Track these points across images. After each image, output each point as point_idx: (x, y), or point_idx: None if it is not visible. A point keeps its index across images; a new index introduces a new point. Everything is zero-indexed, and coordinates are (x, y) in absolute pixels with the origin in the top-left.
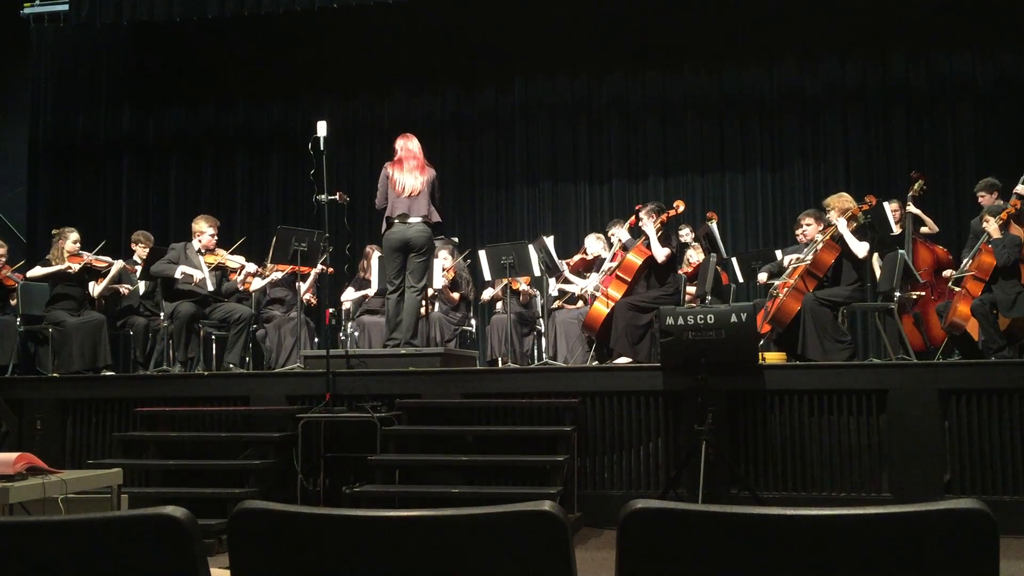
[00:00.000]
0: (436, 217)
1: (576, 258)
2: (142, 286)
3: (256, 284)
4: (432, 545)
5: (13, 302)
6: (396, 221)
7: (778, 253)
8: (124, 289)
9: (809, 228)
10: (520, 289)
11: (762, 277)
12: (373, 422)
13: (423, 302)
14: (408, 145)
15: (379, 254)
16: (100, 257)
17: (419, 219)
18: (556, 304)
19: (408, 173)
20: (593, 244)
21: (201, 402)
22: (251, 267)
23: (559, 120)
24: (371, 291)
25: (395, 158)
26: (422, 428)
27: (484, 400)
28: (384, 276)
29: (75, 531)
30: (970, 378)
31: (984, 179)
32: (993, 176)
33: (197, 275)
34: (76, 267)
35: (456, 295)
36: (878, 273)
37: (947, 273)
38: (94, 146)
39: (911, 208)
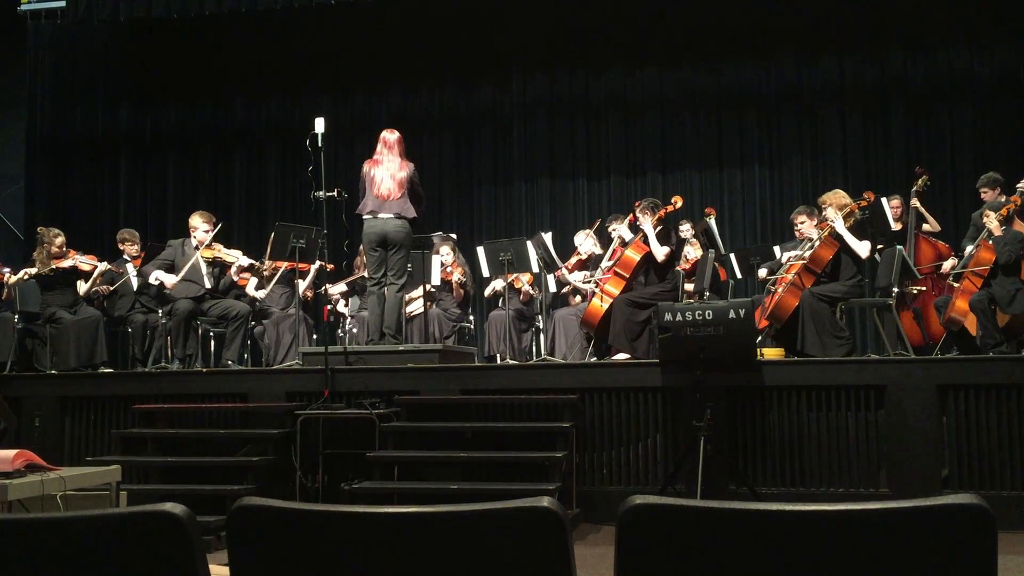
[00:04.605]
0: (411, 213)
1: (573, 260)
2: (136, 283)
3: (250, 289)
4: (431, 541)
5: (4, 295)
6: (368, 217)
7: (776, 249)
8: (105, 289)
9: (803, 226)
10: (522, 289)
11: (762, 273)
12: (372, 419)
13: (404, 297)
14: (388, 138)
15: None
16: (84, 261)
17: (391, 215)
18: (565, 290)
19: (386, 168)
20: (584, 242)
21: (200, 399)
22: (244, 260)
23: (557, 116)
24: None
25: (374, 155)
26: (421, 424)
27: (483, 396)
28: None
29: (74, 528)
30: (968, 374)
31: (986, 174)
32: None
33: (169, 280)
34: (54, 266)
35: (462, 291)
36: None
37: (947, 266)
38: (91, 143)
39: (915, 204)
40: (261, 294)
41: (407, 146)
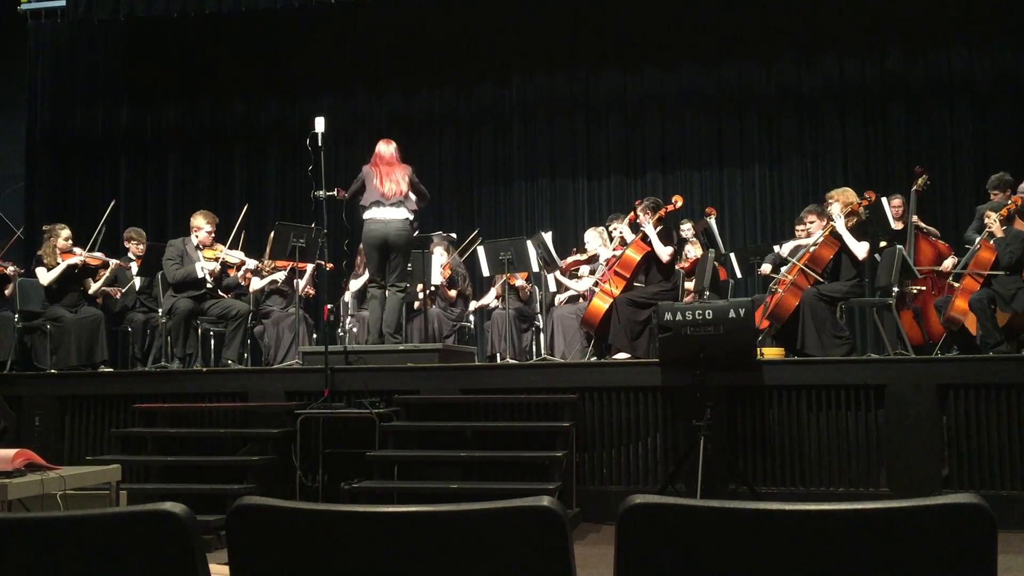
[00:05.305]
0: (413, 207)
1: (571, 259)
2: (138, 282)
3: (256, 284)
4: (431, 541)
5: (8, 292)
6: (369, 216)
7: (775, 248)
8: (116, 292)
9: (812, 225)
10: (518, 285)
11: (765, 268)
12: (372, 418)
13: (404, 299)
14: (384, 152)
15: None
16: (92, 255)
17: (395, 215)
18: (558, 302)
19: (389, 180)
20: (592, 239)
21: (199, 398)
22: (251, 263)
23: (557, 116)
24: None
25: (373, 162)
26: (420, 424)
27: (483, 396)
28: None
29: (74, 528)
30: (968, 373)
31: (996, 175)
32: (992, 173)
33: (211, 266)
34: (79, 259)
35: (453, 292)
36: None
37: (947, 264)
38: (91, 142)
39: (915, 219)
40: (280, 276)
41: (407, 146)
